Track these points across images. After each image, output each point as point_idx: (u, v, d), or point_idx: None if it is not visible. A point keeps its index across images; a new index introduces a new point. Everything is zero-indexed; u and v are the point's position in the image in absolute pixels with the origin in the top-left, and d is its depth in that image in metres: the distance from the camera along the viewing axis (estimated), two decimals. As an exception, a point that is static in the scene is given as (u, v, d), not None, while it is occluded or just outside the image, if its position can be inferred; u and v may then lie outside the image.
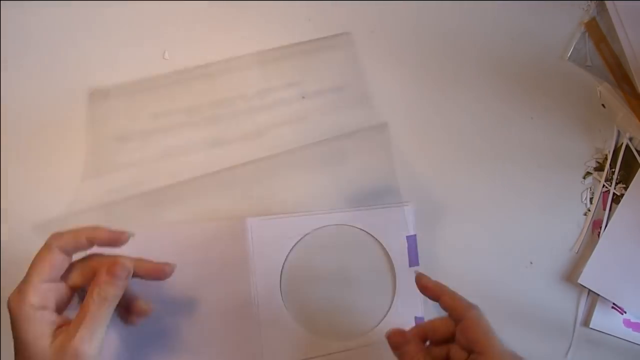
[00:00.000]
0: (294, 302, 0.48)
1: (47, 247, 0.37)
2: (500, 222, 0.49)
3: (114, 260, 0.38)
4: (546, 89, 0.50)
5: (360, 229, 0.48)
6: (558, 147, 0.49)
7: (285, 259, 0.48)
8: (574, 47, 0.50)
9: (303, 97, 0.49)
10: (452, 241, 0.48)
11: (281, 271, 0.48)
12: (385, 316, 0.47)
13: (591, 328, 0.47)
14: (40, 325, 0.36)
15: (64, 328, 0.37)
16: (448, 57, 0.50)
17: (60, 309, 0.39)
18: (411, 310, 0.47)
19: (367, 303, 0.48)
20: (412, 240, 0.48)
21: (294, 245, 0.48)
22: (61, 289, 0.39)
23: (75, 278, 0.39)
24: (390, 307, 0.47)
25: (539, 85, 0.50)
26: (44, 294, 0.37)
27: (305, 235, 0.48)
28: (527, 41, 0.50)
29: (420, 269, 0.48)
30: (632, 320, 0.47)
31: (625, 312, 0.47)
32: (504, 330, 0.47)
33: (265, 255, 0.48)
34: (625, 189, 0.48)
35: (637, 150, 0.49)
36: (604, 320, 0.47)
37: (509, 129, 0.49)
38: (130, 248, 0.41)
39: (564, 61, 0.50)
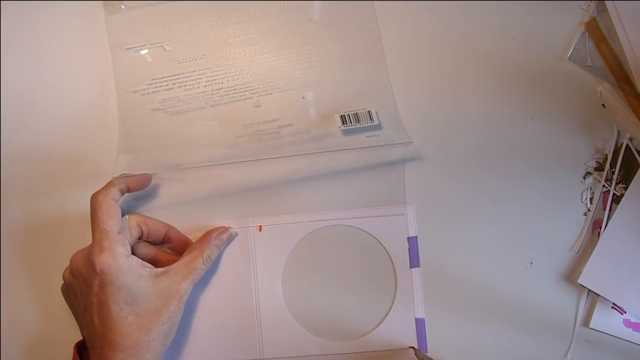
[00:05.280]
0: (294, 302, 0.48)
1: (106, 201, 0.43)
2: (500, 222, 0.49)
3: (223, 229, 0.47)
4: (546, 89, 0.50)
5: (362, 230, 0.48)
6: (558, 147, 0.49)
7: (286, 259, 0.48)
8: (574, 47, 0.50)
9: (303, 98, 0.49)
10: (453, 242, 0.48)
11: (281, 271, 0.48)
12: (385, 317, 0.47)
13: (591, 328, 0.47)
14: (136, 269, 0.42)
15: (163, 274, 0.43)
16: (447, 57, 0.50)
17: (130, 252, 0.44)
18: (411, 312, 0.47)
19: (367, 303, 0.48)
20: (413, 242, 0.48)
21: (294, 245, 0.48)
22: (127, 236, 0.44)
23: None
24: (390, 308, 0.47)
25: (539, 85, 0.50)
26: (124, 242, 0.43)
27: (305, 235, 0.48)
28: (527, 41, 0.50)
29: (421, 269, 0.48)
30: (632, 320, 0.47)
31: (625, 312, 0.47)
32: (504, 330, 0.48)
33: (266, 255, 0.48)
34: (625, 189, 0.48)
35: (637, 150, 0.49)
36: (604, 320, 0.47)
37: (509, 129, 0.49)
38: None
39: (564, 61, 0.50)
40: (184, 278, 0.43)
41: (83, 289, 0.42)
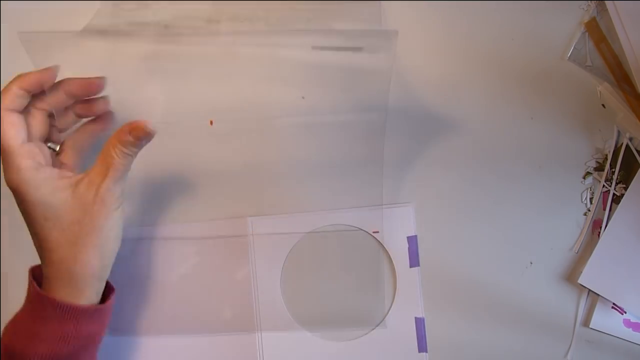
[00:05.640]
0: (294, 302, 0.48)
1: (7, 95, 0.38)
2: (500, 222, 0.49)
3: (140, 123, 0.38)
4: (546, 89, 0.50)
5: (361, 229, 0.48)
6: (558, 147, 0.49)
7: (285, 259, 0.48)
8: (574, 47, 0.50)
9: (303, 97, 0.49)
10: (453, 241, 0.48)
11: (281, 271, 0.48)
12: (385, 316, 0.47)
13: (591, 328, 0.47)
14: (50, 181, 0.38)
15: (83, 179, 0.38)
16: (447, 57, 0.50)
17: (49, 162, 0.40)
18: (411, 311, 0.47)
19: (367, 303, 0.48)
20: (412, 241, 0.48)
21: (294, 246, 0.48)
22: (40, 145, 0.40)
23: (51, 102, 0.40)
24: (390, 308, 0.47)
25: (539, 85, 0.50)
26: (31, 153, 0.38)
27: (304, 235, 0.48)
28: (527, 41, 0.50)
29: (421, 269, 0.48)
30: (632, 320, 0.47)
31: (625, 312, 0.47)
32: (504, 330, 0.48)
33: (265, 255, 0.48)
34: (625, 189, 0.48)
35: (637, 150, 0.49)
36: (604, 320, 0.47)
37: (508, 128, 0.49)
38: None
39: (564, 61, 0.50)
40: (102, 178, 0.38)
41: None
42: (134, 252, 0.47)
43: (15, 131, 0.38)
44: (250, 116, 0.48)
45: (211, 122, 0.46)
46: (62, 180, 0.38)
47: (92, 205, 0.38)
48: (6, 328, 0.39)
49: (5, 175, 0.37)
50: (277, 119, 0.49)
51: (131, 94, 0.47)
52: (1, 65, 0.50)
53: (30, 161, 0.38)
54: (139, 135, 0.38)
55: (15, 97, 0.38)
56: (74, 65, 0.44)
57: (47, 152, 0.40)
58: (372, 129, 0.48)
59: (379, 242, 0.48)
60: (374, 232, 0.47)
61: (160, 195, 0.48)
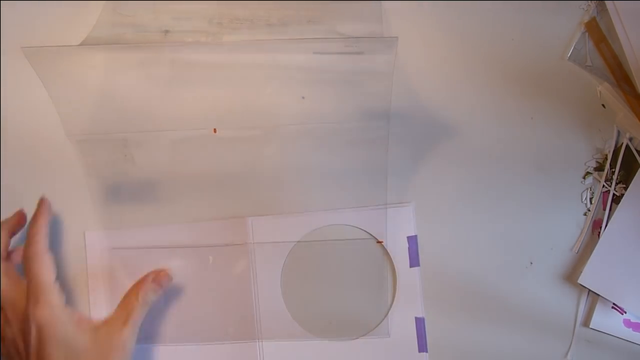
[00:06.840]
0: (294, 302, 0.48)
1: (42, 250, 0.41)
2: (500, 222, 0.49)
3: (160, 271, 0.45)
4: (546, 89, 0.50)
5: (361, 229, 0.48)
6: (558, 147, 0.49)
7: (285, 259, 0.48)
8: (574, 47, 0.50)
9: (303, 98, 0.49)
10: (452, 241, 0.48)
11: (281, 271, 0.48)
12: (385, 316, 0.47)
13: (591, 328, 0.47)
14: (73, 323, 0.40)
15: (103, 326, 0.41)
16: (446, 57, 0.50)
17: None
18: (411, 311, 0.47)
19: (367, 303, 0.48)
20: (413, 241, 0.48)
21: (294, 245, 0.48)
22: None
23: None
24: (390, 308, 0.48)
25: (539, 85, 0.50)
26: (60, 291, 0.41)
27: (304, 235, 0.48)
28: (527, 41, 0.50)
29: (421, 269, 0.48)
30: (632, 320, 0.47)
31: (625, 312, 0.47)
32: (504, 330, 0.48)
33: (265, 255, 0.48)
34: (625, 189, 0.48)
35: (637, 150, 0.49)
36: (604, 320, 0.47)
37: (508, 129, 0.49)
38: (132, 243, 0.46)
39: (564, 61, 0.50)
40: (123, 325, 0.41)
41: (21, 345, 0.40)
42: (134, 260, 0.47)
43: (50, 269, 0.41)
44: (253, 121, 0.48)
45: (215, 130, 0.46)
46: (82, 323, 0.41)
47: (111, 351, 0.40)
48: None
49: (35, 311, 0.39)
50: (280, 124, 0.49)
51: (134, 103, 0.47)
52: (0, 65, 0.50)
53: (60, 299, 0.40)
54: (164, 282, 0.44)
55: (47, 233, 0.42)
56: (77, 76, 0.46)
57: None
58: (375, 133, 0.48)
59: (379, 241, 0.48)
60: (378, 243, 0.48)
61: (162, 197, 0.48)
